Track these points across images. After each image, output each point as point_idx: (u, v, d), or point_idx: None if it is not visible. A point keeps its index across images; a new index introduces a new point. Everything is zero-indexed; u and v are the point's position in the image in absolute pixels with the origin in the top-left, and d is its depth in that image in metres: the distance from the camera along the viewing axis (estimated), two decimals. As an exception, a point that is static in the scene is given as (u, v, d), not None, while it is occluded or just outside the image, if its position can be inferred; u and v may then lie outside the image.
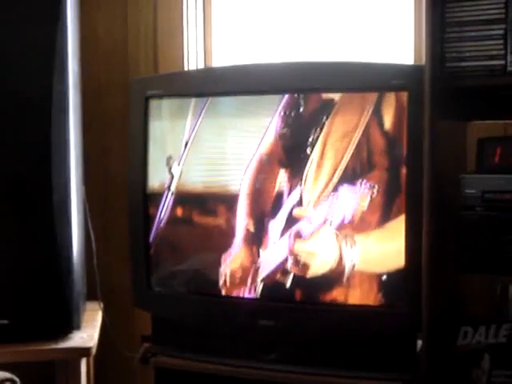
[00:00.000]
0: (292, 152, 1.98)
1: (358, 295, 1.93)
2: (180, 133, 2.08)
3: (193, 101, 2.07)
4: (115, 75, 2.60)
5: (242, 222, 2.03)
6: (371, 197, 1.89)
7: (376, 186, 1.88)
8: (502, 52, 1.72)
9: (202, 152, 2.08)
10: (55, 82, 2.07)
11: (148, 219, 2.14)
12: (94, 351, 2.14)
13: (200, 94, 2.07)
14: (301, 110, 1.95)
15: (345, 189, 1.91)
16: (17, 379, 1.80)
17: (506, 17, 1.72)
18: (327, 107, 1.92)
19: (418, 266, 1.80)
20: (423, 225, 1.78)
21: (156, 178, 2.13)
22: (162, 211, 2.12)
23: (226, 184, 2.05)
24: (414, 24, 2.34)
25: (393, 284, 1.89)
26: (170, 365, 2.10)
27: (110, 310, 2.44)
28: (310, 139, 1.93)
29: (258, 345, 2.02)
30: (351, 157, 1.90)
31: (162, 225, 2.13)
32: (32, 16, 2.06)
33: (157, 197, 2.13)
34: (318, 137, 1.92)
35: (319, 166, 1.93)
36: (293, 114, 1.96)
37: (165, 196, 2.12)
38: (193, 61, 2.58)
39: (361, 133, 1.89)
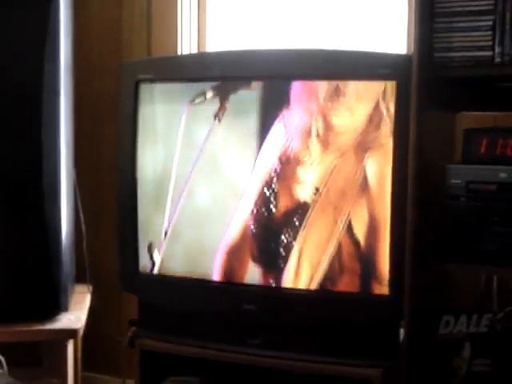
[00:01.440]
0: (265, 250, 2.00)
1: (342, 282, 1.94)
2: (160, 223, 2.09)
3: (184, 86, 2.07)
4: (108, 58, 2.60)
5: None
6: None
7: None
8: (490, 43, 1.73)
9: (181, 240, 2.09)
10: (47, 64, 2.08)
11: (135, 204, 2.14)
12: (81, 333, 2.16)
13: (191, 79, 2.07)
14: (272, 209, 1.96)
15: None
16: (1, 357, 1.81)
17: (495, 8, 1.72)
18: (301, 209, 1.94)
19: (401, 255, 1.82)
20: (407, 214, 1.79)
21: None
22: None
23: (203, 272, 2.07)
24: (408, 15, 2.34)
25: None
26: (155, 348, 2.10)
27: (99, 293, 2.46)
28: (285, 240, 1.96)
29: (242, 329, 2.03)
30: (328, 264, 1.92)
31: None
32: (24, -3, 2.06)
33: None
34: (292, 241, 1.94)
35: (297, 274, 1.96)
36: (265, 214, 1.98)
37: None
38: (186, 46, 2.57)
39: (336, 243, 1.91)
